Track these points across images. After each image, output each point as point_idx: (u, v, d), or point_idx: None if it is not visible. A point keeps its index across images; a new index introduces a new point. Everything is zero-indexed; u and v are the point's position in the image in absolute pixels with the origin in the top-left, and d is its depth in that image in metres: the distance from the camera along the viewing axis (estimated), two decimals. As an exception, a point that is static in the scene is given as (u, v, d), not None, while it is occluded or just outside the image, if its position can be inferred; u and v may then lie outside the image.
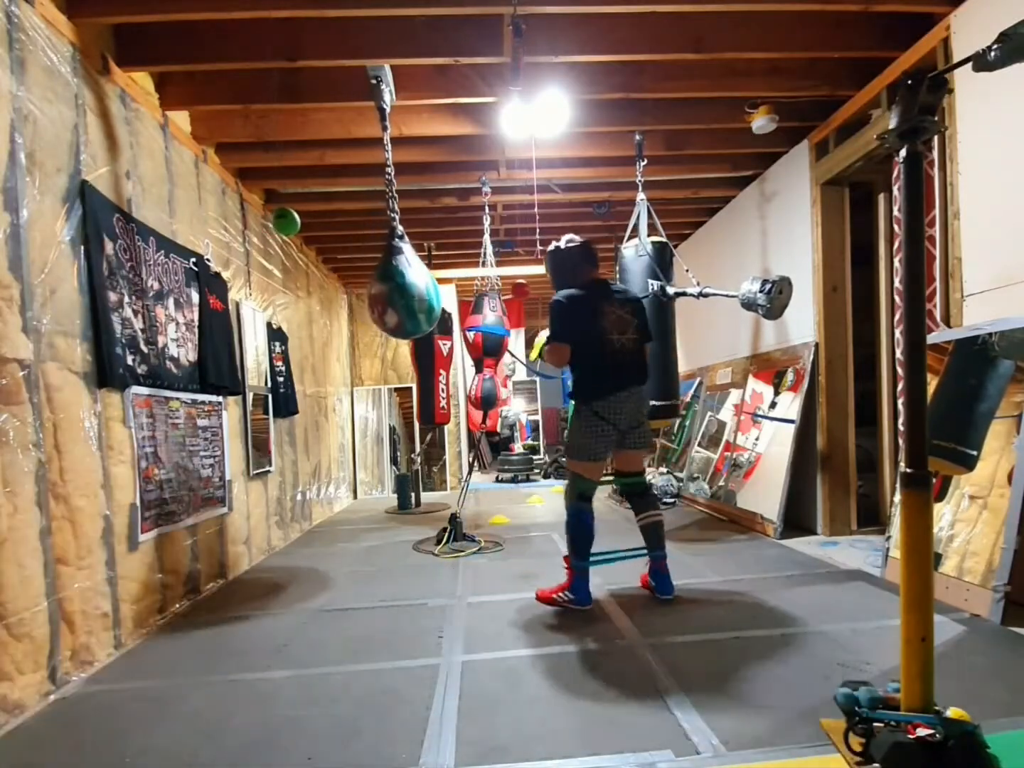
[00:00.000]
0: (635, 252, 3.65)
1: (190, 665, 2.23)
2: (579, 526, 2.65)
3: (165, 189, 2.97)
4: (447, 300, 6.83)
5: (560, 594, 2.63)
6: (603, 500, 5.61)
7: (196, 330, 3.12)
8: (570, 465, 2.76)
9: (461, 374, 7.42)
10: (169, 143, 3.04)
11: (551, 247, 2.87)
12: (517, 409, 9.73)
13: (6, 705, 1.82)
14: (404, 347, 7.00)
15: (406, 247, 2.62)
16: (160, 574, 2.72)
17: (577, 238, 2.84)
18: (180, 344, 2.96)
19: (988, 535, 2.31)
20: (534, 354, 2.93)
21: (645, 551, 2.78)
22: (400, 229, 2.64)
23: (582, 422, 2.65)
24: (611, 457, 2.80)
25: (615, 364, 2.63)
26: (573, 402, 2.75)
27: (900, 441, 3.29)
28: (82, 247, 2.29)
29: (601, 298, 2.70)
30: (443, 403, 5.13)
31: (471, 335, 4.54)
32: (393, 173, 2.73)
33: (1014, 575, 2.19)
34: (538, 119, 3.18)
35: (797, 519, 3.93)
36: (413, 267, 2.57)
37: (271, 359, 4.26)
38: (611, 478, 3.08)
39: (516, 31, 2.57)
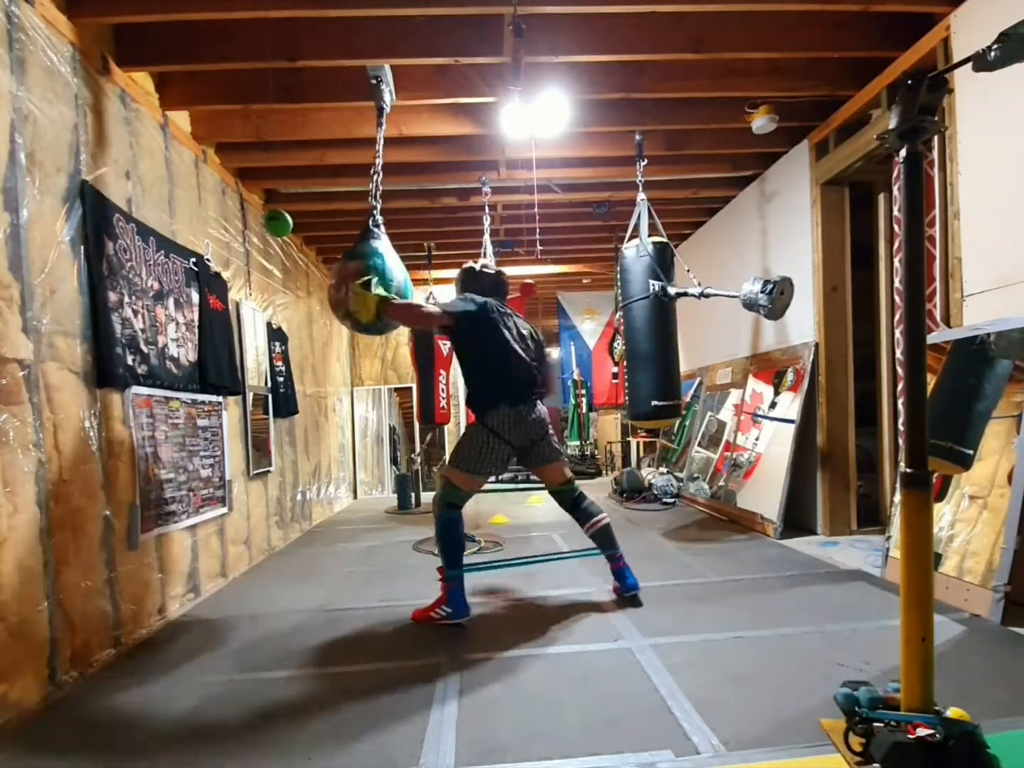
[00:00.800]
0: (636, 252, 3.65)
1: (190, 665, 2.23)
2: (450, 535, 2.52)
3: (165, 189, 2.97)
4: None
5: (436, 611, 2.48)
6: (602, 500, 5.61)
7: (196, 330, 3.12)
8: (448, 472, 2.58)
9: (461, 374, 7.42)
10: (169, 143, 3.04)
11: (467, 265, 2.79)
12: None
13: (6, 705, 1.82)
14: (404, 347, 7.01)
15: (383, 236, 2.57)
16: (160, 574, 2.72)
17: (492, 266, 2.79)
18: (180, 344, 2.96)
19: (988, 535, 2.31)
20: (367, 314, 2.34)
21: (592, 552, 2.75)
22: (379, 218, 2.61)
23: (475, 435, 2.53)
24: (531, 472, 2.73)
25: (515, 377, 2.54)
26: (474, 413, 2.61)
27: (900, 441, 3.29)
28: (82, 247, 2.29)
29: (509, 314, 2.66)
30: (443, 403, 5.13)
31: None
32: (381, 164, 2.73)
33: (1014, 575, 2.19)
34: (538, 119, 3.18)
35: (797, 519, 3.93)
36: (389, 256, 2.50)
37: (271, 359, 4.26)
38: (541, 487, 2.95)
39: (516, 31, 2.57)
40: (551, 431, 2.71)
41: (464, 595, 2.50)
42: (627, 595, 2.67)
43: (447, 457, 2.67)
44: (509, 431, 2.52)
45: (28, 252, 2.00)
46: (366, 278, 2.36)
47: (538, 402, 2.64)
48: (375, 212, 2.61)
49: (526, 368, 2.58)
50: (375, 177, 2.68)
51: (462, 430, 7.44)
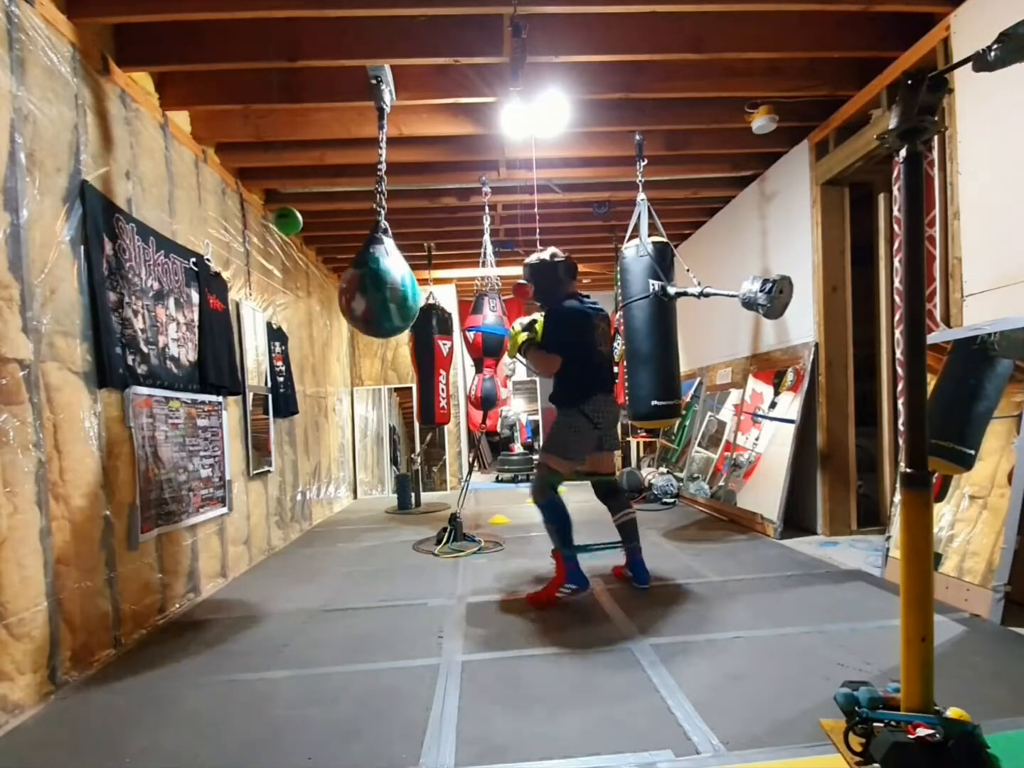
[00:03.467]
0: (636, 252, 3.64)
1: (190, 665, 2.23)
2: (560, 517, 2.79)
3: (165, 189, 2.97)
4: (447, 300, 6.84)
5: (560, 589, 2.69)
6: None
7: (196, 330, 3.12)
8: (548, 460, 2.83)
9: (461, 374, 7.43)
10: (169, 143, 3.04)
11: (533, 259, 2.98)
12: (517, 409, 9.72)
13: (6, 705, 1.82)
14: (404, 347, 7.00)
15: (387, 240, 2.55)
16: (160, 574, 2.72)
17: (560, 252, 2.98)
18: (180, 344, 2.96)
19: (988, 535, 2.31)
20: (512, 350, 2.95)
21: (621, 544, 3.00)
22: (384, 224, 2.59)
23: (569, 422, 2.80)
24: (586, 459, 2.96)
25: (600, 372, 2.88)
26: (560, 406, 2.87)
27: (900, 441, 3.29)
28: (82, 247, 2.29)
29: (590, 312, 2.91)
30: (443, 403, 5.12)
31: (471, 335, 4.54)
32: (384, 170, 2.71)
33: (1014, 575, 2.20)
34: (538, 119, 3.18)
35: (797, 519, 3.93)
36: (391, 257, 2.47)
37: (271, 359, 4.26)
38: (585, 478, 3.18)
39: (516, 31, 2.57)
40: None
41: (580, 569, 2.75)
42: (637, 586, 2.89)
43: (542, 444, 3.06)
44: (600, 416, 2.82)
45: (28, 252, 2.00)
46: (532, 320, 2.88)
47: (614, 393, 2.97)
48: (380, 219, 2.59)
49: (605, 363, 2.95)
50: (380, 183, 2.66)
51: (462, 430, 7.51)
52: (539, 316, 2.90)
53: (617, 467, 3.06)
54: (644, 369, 3.65)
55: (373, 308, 2.40)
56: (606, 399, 2.86)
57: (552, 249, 2.98)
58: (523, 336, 2.86)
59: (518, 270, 6.23)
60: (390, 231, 2.60)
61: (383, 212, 2.63)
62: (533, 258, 2.98)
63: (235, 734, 1.72)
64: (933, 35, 2.74)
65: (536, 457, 8.41)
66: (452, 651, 2.22)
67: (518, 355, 2.92)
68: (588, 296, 3.05)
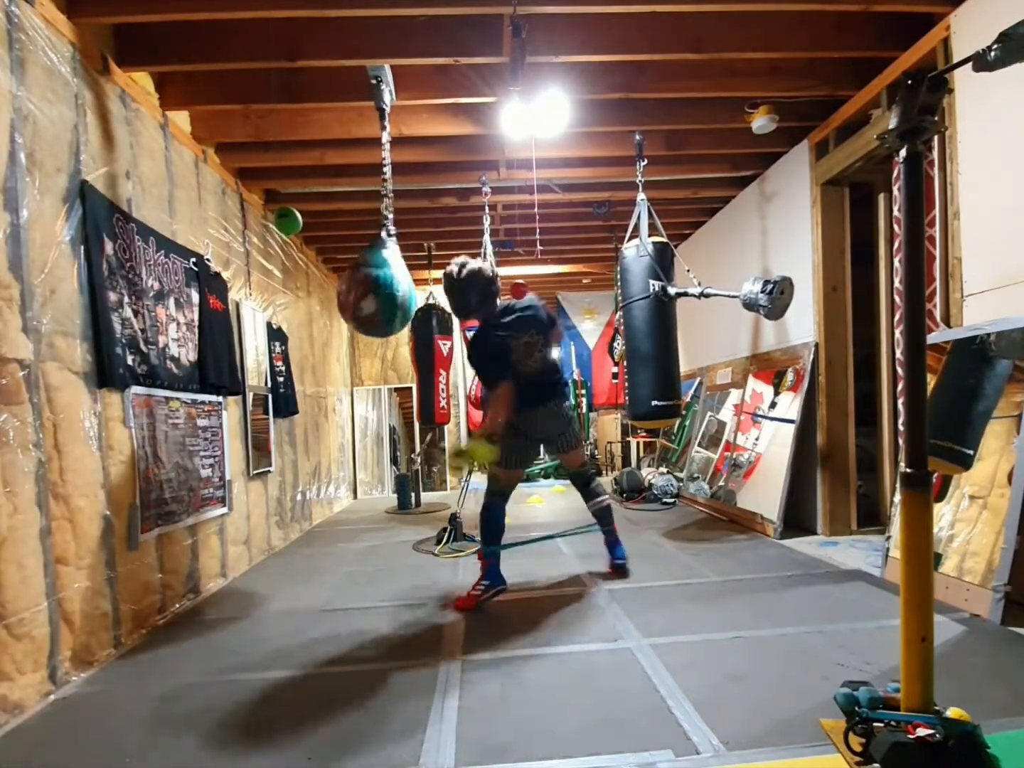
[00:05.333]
0: (636, 252, 3.65)
1: (190, 665, 2.23)
2: (489, 518, 2.93)
3: (165, 189, 2.97)
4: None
5: (478, 586, 2.77)
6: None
7: (196, 330, 3.12)
8: (492, 469, 2.93)
9: (461, 374, 7.42)
10: (169, 143, 3.04)
11: (470, 267, 2.71)
12: (517, 409, 9.72)
13: (6, 705, 1.82)
14: (404, 347, 7.01)
15: (393, 244, 2.57)
16: (160, 574, 2.72)
17: (472, 261, 2.75)
18: (180, 344, 2.96)
19: (988, 535, 2.31)
20: (485, 456, 2.70)
21: (590, 528, 3.29)
22: (392, 228, 2.61)
23: (506, 435, 2.80)
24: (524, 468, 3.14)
25: (526, 388, 2.76)
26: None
27: (900, 441, 3.29)
28: (82, 247, 2.29)
29: (499, 334, 2.72)
30: (443, 403, 5.12)
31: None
32: (390, 173, 2.71)
33: (1014, 575, 2.19)
34: (538, 119, 3.18)
35: (797, 519, 3.93)
36: (398, 266, 2.50)
37: (271, 359, 4.26)
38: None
39: (516, 31, 2.57)
40: (572, 425, 3.05)
41: (500, 569, 2.88)
42: (616, 562, 3.11)
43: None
44: (532, 429, 2.90)
45: (28, 252, 2.00)
46: (469, 447, 2.77)
47: (555, 402, 2.92)
48: (387, 222, 2.60)
49: (535, 376, 2.83)
50: (385, 184, 2.66)
51: (462, 430, 7.50)
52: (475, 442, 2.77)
53: (583, 459, 3.18)
54: (644, 369, 3.66)
55: (382, 310, 2.42)
56: (535, 411, 2.83)
57: (462, 259, 2.75)
58: (475, 446, 2.70)
59: (518, 270, 6.29)
60: (394, 234, 2.61)
61: (391, 215, 2.63)
62: (460, 264, 2.72)
63: (235, 734, 1.72)
64: (933, 35, 2.74)
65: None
66: (453, 651, 2.22)
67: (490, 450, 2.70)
68: (506, 308, 2.81)
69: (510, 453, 2.88)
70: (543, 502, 5.79)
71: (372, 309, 2.42)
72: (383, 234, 2.57)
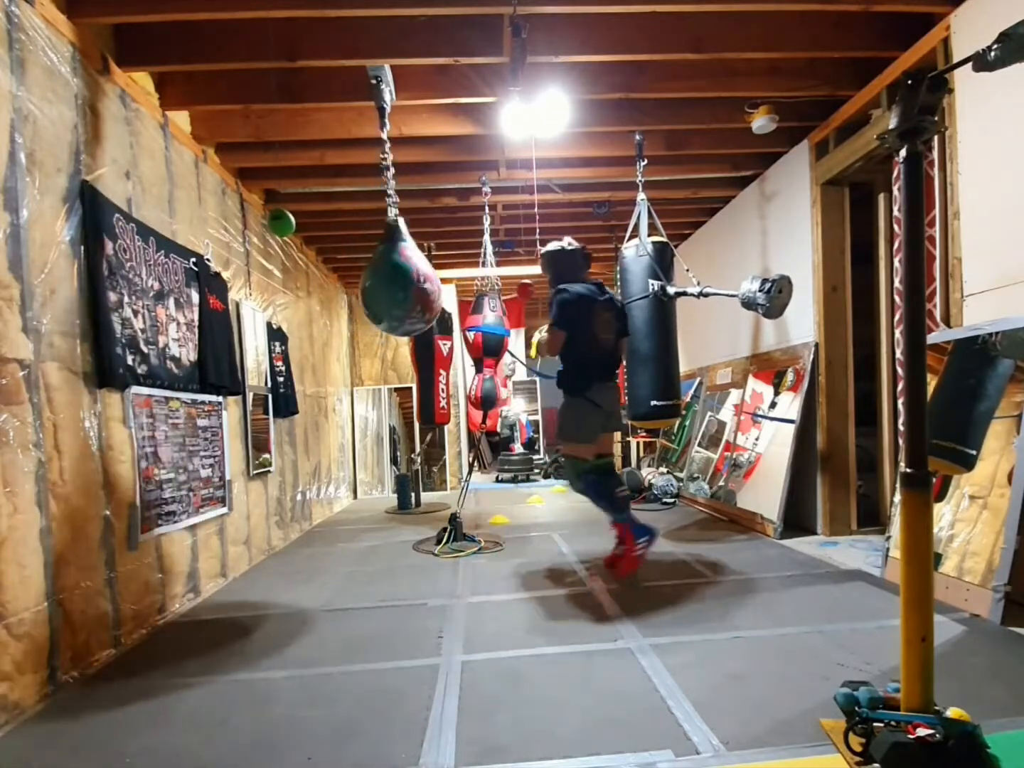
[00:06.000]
0: (636, 252, 3.65)
1: (190, 665, 2.23)
2: (604, 489, 2.98)
3: (165, 189, 2.97)
4: (447, 300, 6.83)
5: (636, 552, 2.89)
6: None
7: (196, 330, 3.12)
8: (569, 449, 3.04)
9: (461, 374, 7.42)
10: (169, 143, 3.04)
11: (551, 247, 3.11)
12: (517, 409, 9.72)
13: (6, 705, 1.82)
14: (404, 347, 7.00)
15: (407, 238, 2.59)
16: (160, 574, 2.72)
17: (575, 242, 3.11)
18: (181, 344, 2.96)
19: (988, 535, 2.31)
20: (533, 351, 3.15)
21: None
22: (400, 221, 2.62)
23: (576, 408, 2.99)
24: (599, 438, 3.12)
25: (599, 360, 3.03)
26: (566, 395, 3.06)
27: (900, 441, 3.29)
28: (82, 247, 2.29)
29: (596, 300, 3.02)
30: (443, 403, 5.12)
31: (471, 335, 4.54)
32: (393, 173, 2.71)
33: (1014, 575, 2.19)
34: (538, 119, 3.18)
35: (797, 519, 3.93)
36: (412, 254, 2.54)
37: (271, 359, 4.26)
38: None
39: (516, 31, 2.57)
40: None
41: (640, 522, 3.00)
42: (643, 542, 3.14)
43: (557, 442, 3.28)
44: (603, 400, 3.01)
45: (28, 252, 2.00)
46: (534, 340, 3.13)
47: (615, 380, 3.17)
48: (398, 220, 2.61)
49: (608, 351, 3.09)
50: (390, 181, 2.68)
51: (462, 430, 7.50)
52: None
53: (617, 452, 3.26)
54: (644, 369, 3.65)
55: (372, 282, 2.53)
56: (605, 385, 3.03)
57: (568, 238, 3.10)
58: (540, 336, 3.08)
59: (518, 270, 6.28)
60: (398, 216, 2.64)
61: (396, 213, 2.64)
62: (551, 245, 3.12)
63: (235, 734, 1.72)
64: (933, 35, 2.74)
65: (536, 458, 8.48)
66: (452, 651, 2.22)
67: (537, 348, 3.14)
68: (600, 284, 3.14)
69: (589, 426, 2.97)
70: (543, 502, 5.79)
71: (366, 283, 2.54)
72: (391, 226, 2.59)
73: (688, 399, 5.61)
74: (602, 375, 3.04)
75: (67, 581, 2.11)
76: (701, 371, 5.67)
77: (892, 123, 1.40)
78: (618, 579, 2.86)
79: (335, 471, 6.16)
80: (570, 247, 3.10)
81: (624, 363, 3.51)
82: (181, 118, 3.21)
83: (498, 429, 8.41)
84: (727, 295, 3.46)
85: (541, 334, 3.08)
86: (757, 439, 4.26)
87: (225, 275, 3.53)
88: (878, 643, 2.10)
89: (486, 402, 4.66)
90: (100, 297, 2.34)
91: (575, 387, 3.02)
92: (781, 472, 3.82)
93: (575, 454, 3.01)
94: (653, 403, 3.58)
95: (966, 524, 2.42)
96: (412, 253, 2.54)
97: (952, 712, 1.34)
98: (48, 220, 2.12)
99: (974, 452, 2.45)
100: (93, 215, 2.33)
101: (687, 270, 3.85)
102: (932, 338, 2.68)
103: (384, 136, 2.73)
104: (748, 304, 3.25)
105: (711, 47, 2.88)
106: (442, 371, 5.03)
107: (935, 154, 2.80)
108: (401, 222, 2.60)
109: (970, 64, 1.34)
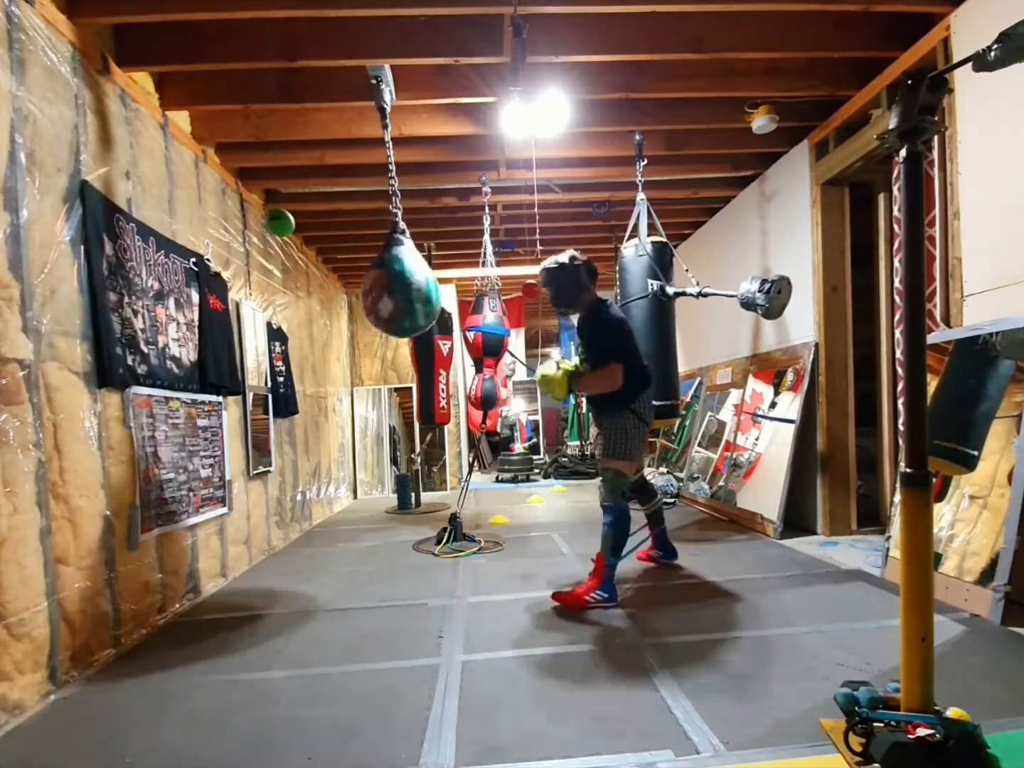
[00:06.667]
0: (635, 252, 3.65)
1: (190, 665, 2.23)
2: (622, 525, 2.73)
3: (165, 189, 2.97)
4: (447, 300, 6.83)
5: (592, 594, 2.63)
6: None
7: (196, 330, 3.12)
8: (612, 465, 2.78)
9: (461, 374, 7.42)
10: (169, 143, 3.04)
11: (551, 263, 2.81)
12: (517, 409, 9.72)
13: (6, 705, 1.82)
14: (404, 347, 7.00)
15: (407, 242, 2.57)
16: (160, 574, 2.72)
17: (580, 254, 2.84)
18: (181, 344, 2.96)
19: (988, 535, 2.31)
20: (558, 391, 2.87)
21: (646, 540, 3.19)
22: (402, 225, 2.61)
23: (624, 424, 2.76)
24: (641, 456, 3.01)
25: (644, 370, 2.85)
26: (607, 409, 2.81)
27: (900, 441, 3.29)
28: (82, 247, 2.29)
29: (627, 319, 2.97)
30: (443, 403, 5.12)
31: (471, 335, 4.54)
32: (395, 171, 2.71)
33: (1014, 575, 2.19)
34: (538, 119, 3.18)
35: (797, 519, 3.93)
36: (413, 259, 2.49)
37: (271, 359, 4.26)
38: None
39: (516, 31, 2.57)
40: None
41: (614, 583, 2.72)
42: (667, 561, 3.22)
43: (601, 455, 2.89)
44: (648, 414, 2.86)
45: (28, 252, 2.00)
46: (555, 361, 2.90)
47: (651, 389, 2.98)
48: (397, 221, 2.60)
49: (645, 364, 2.94)
50: (392, 183, 2.65)
51: (462, 430, 7.50)
52: (556, 356, 2.94)
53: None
54: (644, 369, 3.65)
55: (401, 308, 2.42)
56: (647, 395, 2.86)
57: (571, 252, 2.83)
58: (567, 368, 2.85)
59: (518, 270, 6.28)
60: (408, 232, 2.61)
61: (399, 212, 2.63)
62: (551, 261, 2.81)
63: (235, 734, 1.72)
64: (933, 35, 2.74)
65: (535, 458, 8.48)
66: (452, 651, 2.22)
67: (572, 393, 2.96)
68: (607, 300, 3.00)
69: (634, 443, 2.79)
70: (543, 502, 5.79)
71: (391, 310, 2.42)
72: (395, 233, 2.57)
73: (688, 399, 5.61)
74: (644, 385, 2.83)
75: (67, 581, 2.11)
76: (701, 371, 5.67)
77: (892, 123, 1.40)
78: (553, 599, 2.65)
79: (335, 471, 6.16)
80: (573, 262, 2.78)
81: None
82: (181, 118, 3.21)
83: (498, 429, 8.42)
84: (726, 295, 3.46)
85: (556, 373, 2.84)
86: (757, 439, 4.26)
87: (225, 275, 3.53)
88: (878, 643, 2.10)
89: (486, 402, 4.66)
90: (100, 297, 2.34)
91: (621, 401, 2.76)
92: (781, 472, 3.82)
93: (619, 469, 2.79)
94: (653, 403, 3.57)
95: (966, 524, 2.42)
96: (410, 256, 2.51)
97: (952, 712, 1.34)
98: (48, 220, 2.12)
99: (975, 452, 2.45)
100: (93, 215, 2.33)
101: (686, 270, 3.85)
102: (932, 338, 2.68)
103: (387, 139, 2.73)
104: (747, 304, 3.25)
105: (711, 47, 2.88)
106: (442, 371, 5.03)
107: (935, 154, 2.80)
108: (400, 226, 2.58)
109: (970, 64, 1.34)
